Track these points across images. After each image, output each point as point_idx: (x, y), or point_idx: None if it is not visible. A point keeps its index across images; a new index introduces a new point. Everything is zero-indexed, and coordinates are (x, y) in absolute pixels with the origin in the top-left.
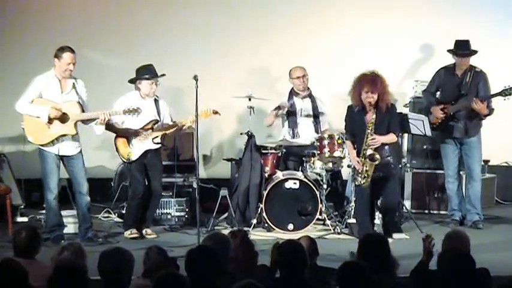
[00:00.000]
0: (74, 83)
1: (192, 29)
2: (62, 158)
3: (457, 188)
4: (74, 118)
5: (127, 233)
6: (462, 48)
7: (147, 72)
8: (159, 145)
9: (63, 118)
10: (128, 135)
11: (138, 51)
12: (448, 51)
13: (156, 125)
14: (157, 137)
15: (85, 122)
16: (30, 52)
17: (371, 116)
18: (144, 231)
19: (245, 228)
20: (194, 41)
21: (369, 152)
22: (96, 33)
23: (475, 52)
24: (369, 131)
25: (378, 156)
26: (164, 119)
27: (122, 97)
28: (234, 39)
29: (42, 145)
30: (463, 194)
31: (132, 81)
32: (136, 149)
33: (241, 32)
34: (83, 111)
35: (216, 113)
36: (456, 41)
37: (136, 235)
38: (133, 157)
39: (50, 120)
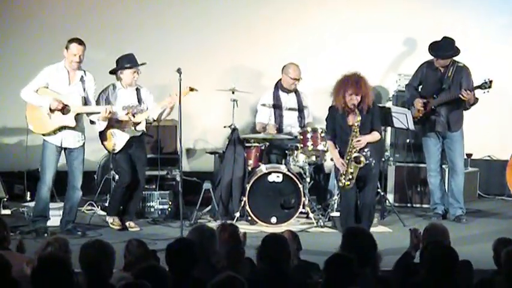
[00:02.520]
0: (82, 76)
1: (174, 22)
2: (64, 149)
3: (439, 182)
4: (75, 110)
5: (109, 220)
6: (439, 50)
7: (128, 61)
8: (142, 131)
9: (65, 110)
10: (110, 126)
11: (120, 45)
12: (429, 48)
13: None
14: (139, 123)
15: (89, 115)
16: (12, 45)
17: (355, 118)
18: (127, 224)
19: (228, 222)
20: (177, 34)
21: (355, 154)
22: (79, 28)
23: (450, 55)
24: (354, 132)
25: (363, 158)
26: (148, 107)
27: (103, 94)
28: (217, 32)
29: (44, 135)
30: (445, 187)
31: (113, 71)
32: (120, 139)
33: (225, 24)
34: (85, 105)
35: (192, 89)
36: (437, 42)
37: (118, 227)
38: (118, 148)
39: (51, 111)
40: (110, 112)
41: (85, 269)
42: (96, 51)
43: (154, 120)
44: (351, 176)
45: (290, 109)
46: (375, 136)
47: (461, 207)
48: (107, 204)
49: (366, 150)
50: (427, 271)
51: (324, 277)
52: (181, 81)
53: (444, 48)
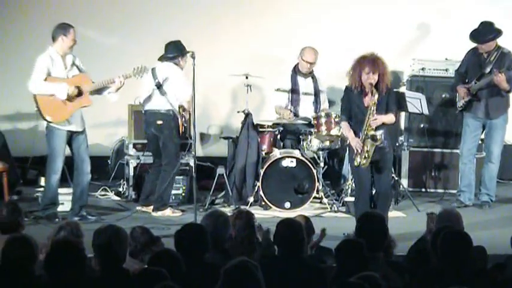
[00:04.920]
0: (73, 60)
1: (189, 6)
2: (71, 134)
3: (469, 170)
4: (88, 89)
5: (168, 212)
6: (481, 34)
7: (183, 47)
8: None
9: (78, 92)
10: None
11: (134, 30)
12: (470, 36)
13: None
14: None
15: (99, 92)
16: (24, 30)
17: (372, 97)
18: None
19: (242, 207)
20: (191, 18)
21: (371, 132)
22: (91, 11)
23: (489, 39)
24: (371, 111)
25: (379, 136)
26: None
27: (181, 74)
28: (231, 17)
29: (58, 123)
30: (474, 177)
31: (175, 57)
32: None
33: (239, 8)
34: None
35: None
36: (480, 23)
37: (180, 213)
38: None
39: (69, 98)
40: (123, 83)
41: (98, 253)
42: (108, 37)
43: None
44: (366, 155)
45: (306, 94)
46: (389, 118)
47: (488, 194)
48: (120, 190)
49: (380, 131)
50: (440, 256)
51: (336, 263)
52: (195, 66)
53: (483, 33)
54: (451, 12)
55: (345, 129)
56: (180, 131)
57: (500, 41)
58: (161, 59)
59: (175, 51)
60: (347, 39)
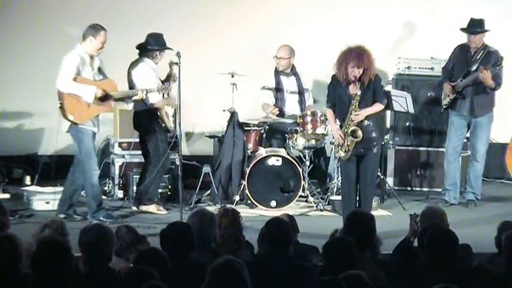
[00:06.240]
0: (100, 64)
1: (181, 4)
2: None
3: (454, 169)
4: (114, 96)
5: (152, 209)
6: (472, 26)
7: (164, 42)
8: None
9: (106, 97)
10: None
11: (117, 28)
12: (461, 29)
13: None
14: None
15: (118, 100)
16: (12, 30)
17: (355, 90)
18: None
19: (228, 205)
20: (177, 18)
21: (352, 128)
22: (79, 8)
23: (480, 31)
24: (353, 106)
25: (360, 133)
26: None
27: (148, 69)
28: (217, 15)
29: (83, 123)
30: (459, 175)
31: (152, 49)
32: (170, 119)
33: (224, 7)
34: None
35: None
36: (470, 18)
37: (165, 211)
38: (172, 127)
39: (95, 100)
40: (144, 97)
41: (85, 252)
42: None
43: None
44: (347, 149)
45: (291, 92)
46: (376, 107)
47: (474, 193)
48: (106, 189)
49: (366, 123)
50: (427, 254)
51: (324, 261)
52: (180, 65)
53: (473, 25)
54: (436, 10)
55: (329, 118)
56: (164, 126)
57: (499, 42)
58: (140, 50)
59: (155, 44)
60: (333, 37)
